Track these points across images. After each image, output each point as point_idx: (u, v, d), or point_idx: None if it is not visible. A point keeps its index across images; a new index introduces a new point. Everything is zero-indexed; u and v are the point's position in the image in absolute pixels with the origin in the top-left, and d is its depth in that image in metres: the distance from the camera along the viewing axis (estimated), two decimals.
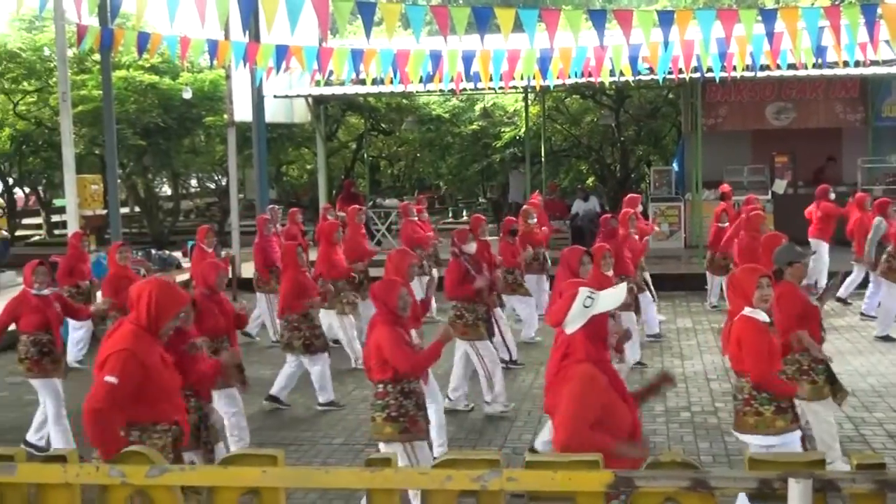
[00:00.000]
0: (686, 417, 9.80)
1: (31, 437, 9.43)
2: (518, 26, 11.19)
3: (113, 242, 12.34)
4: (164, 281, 6.01)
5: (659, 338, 13.43)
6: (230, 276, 10.72)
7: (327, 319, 12.52)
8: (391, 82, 16.76)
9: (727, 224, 15.16)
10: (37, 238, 30.98)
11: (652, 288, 13.55)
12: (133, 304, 5.59)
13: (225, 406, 8.62)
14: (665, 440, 9.10)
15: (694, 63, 15.26)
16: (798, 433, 6.46)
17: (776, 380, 6.40)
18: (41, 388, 9.31)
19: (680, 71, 15.61)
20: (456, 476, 3.41)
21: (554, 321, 4.94)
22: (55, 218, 31.77)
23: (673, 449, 8.69)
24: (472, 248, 10.57)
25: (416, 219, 15.79)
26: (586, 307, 4.77)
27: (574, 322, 4.81)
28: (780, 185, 21.45)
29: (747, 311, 6.31)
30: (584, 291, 4.84)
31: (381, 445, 7.06)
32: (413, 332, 7.33)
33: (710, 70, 15.36)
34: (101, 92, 17.81)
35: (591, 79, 16.45)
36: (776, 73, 16.19)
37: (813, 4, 14.90)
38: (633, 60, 14.97)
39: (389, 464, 3.55)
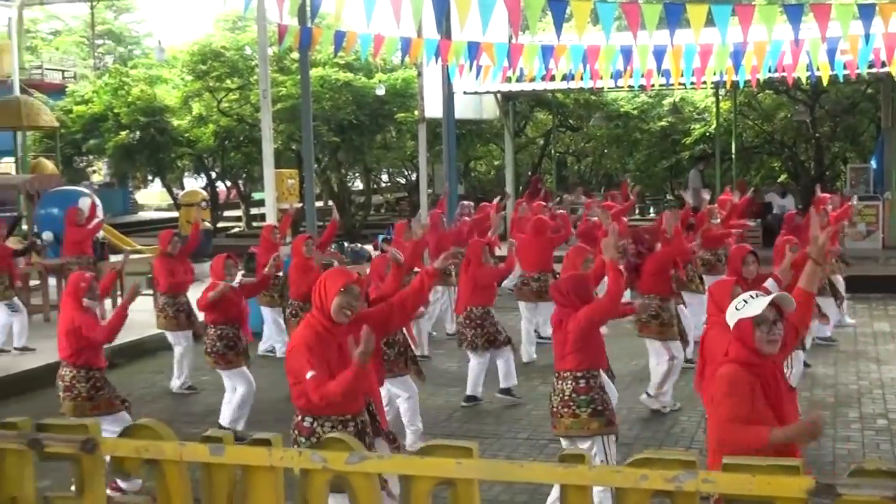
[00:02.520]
0: (883, 425, 9.43)
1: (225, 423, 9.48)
2: (710, 21, 11.00)
3: (298, 235, 12.70)
4: (333, 268, 6.27)
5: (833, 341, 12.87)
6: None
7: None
8: (581, 78, 16.74)
9: None
10: (236, 230, 32.26)
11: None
12: (313, 298, 5.78)
13: (399, 391, 8.80)
14: (859, 447, 8.79)
15: None
16: None
17: None
18: (230, 377, 9.57)
19: (882, 64, 15.03)
20: (651, 475, 3.40)
21: None
22: (254, 210, 33.04)
23: (868, 457, 8.40)
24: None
25: (595, 218, 15.64)
26: (738, 310, 4.78)
27: (730, 321, 4.84)
28: None
29: None
30: (742, 295, 4.89)
31: (565, 442, 7.00)
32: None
33: None
34: (298, 90, 18.38)
35: (785, 74, 16.02)
36: None
37: None
38: (831, 54, 14.50)
39: (583, 460, 3.56)
